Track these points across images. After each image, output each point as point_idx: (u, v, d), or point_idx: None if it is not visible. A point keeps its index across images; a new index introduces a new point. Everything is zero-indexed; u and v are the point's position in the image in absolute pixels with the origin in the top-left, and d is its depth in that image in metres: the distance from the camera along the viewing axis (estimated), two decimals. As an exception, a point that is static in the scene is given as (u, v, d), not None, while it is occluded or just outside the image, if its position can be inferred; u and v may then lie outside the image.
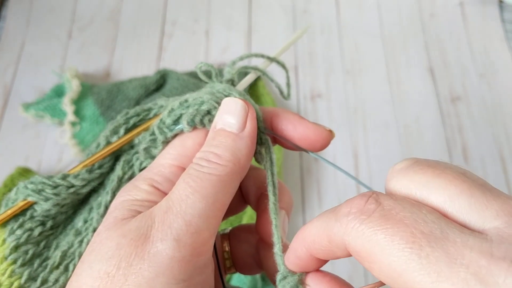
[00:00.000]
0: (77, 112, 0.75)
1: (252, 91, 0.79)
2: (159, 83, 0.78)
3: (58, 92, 0.76)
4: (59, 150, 0.75)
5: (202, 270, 0.26)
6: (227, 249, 0.35)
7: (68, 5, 0.90)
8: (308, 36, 0.88)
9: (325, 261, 0.25)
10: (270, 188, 0.30)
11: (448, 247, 0.18)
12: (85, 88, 0.76)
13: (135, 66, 0.84)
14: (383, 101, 0.81)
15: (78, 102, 0.75)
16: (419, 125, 0.79)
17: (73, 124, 0.74)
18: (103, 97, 0.75)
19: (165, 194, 0.28)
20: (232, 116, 0.29)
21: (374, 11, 0.91)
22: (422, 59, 0.85)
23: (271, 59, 0.35)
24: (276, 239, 0.28)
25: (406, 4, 0.91)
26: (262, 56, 0.35)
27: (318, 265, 0.25)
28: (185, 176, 0.27)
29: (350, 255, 0.22)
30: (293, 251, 0.25)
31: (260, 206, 0.32)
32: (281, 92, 0.37)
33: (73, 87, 0.75)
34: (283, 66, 0.36)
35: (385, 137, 0.78)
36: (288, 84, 0.38)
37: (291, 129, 0.31)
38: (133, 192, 0.28)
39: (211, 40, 0.87)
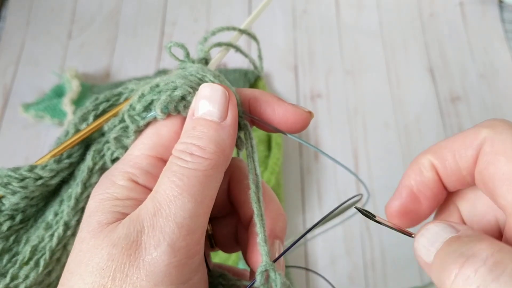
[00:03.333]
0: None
1: (252, 91, 0.79)
2: (159, 83, 0.78)
3: (58, 92, 0.76)
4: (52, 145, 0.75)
5: (198, 268, 0.25)
6: (210, 232, 0.34)
7: (68, 5, 0.90)
8: (308, 36, 0.88)
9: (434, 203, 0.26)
10: (251, 176, 0.28)
11: None
12: (85, 88, 0.77)
13: (135, 66, 0.84)
14: (383, 101, 0.81)
15: (78, 102, 0.75)
16: (419, 125, 0.79)
17: (73, 124, 0.74)
18: (103, 97, 0.75)
19: (146, 188, 0.27)
20: (212, 103, 0.27)
21: (374, 11, 0.91)
22: (422, 59, 0.85)
23: (242, 31, 0.34)
24: (259, 229, 0.27)
25: (406, 4, 0.91)
26: (234, 28, 0.34)
27: (433, 192, 0.26)
28: (169, 174, 0.25)
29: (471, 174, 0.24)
30: (412, 164, 0.26)
31: (251, 233, 0.29)
32: (255, 67, 0.36)
33: (73, 88, 0.75)
34: (254, 38, 0.35)
35: (385, 137, 0.78)
36: (260, 57, 0.36)
37: (270, 112, 0.30)
38: (111, 190, 0.26)
39: (211, 40, 0.87)
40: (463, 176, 0.26)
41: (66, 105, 0.74)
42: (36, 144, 0.76)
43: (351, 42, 0.87)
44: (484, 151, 0.24)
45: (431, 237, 0.23)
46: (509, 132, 0.22)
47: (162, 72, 0.79)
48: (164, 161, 0.27)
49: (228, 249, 0.34)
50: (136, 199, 0.26)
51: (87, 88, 0.77)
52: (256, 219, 0.27)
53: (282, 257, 0.28)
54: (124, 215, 0.25)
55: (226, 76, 0.82)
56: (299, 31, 0.88)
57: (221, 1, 0.91)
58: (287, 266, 0.66)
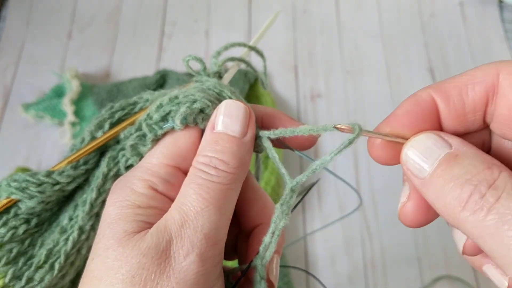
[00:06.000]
0: (77, 113, 0.75)
1: (252, 91, 0.79)
2: (159, 83, 0.78)
3: (58, 92, 0.76)
4: (59, 151, 0.75)
5: (220, 275, 0.27)
6: None
7: (68, 5, 0.90)
8: (308, 36, 0.88)
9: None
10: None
11: None
12: (85, 89, 0.76)
13: (135, 66, 0.84)
14: (383, 101, 0.81)
15: (78, 102, 0.75)
16: (419, 125, 0.79)
17: (73, 124, 0.74)
18: (103, 97, 0.75)
19: (166, 196, 0.27)
20: (235, 120, 0.28)
21: (374, 11, 0.91)
22: (422, 59, 0.85)
23: (251, 48, 0.36)
24: (260, 256, 0.28)
25: (406, 4, 0.91)
26: (245, 45, 0.36)
27: (426, 125, 0.24)
28: (194, 186, 0.26)
29: (476, 110, 0.22)
30: (410, 96, 0.24)
31: (255, 236, 0.31)
32: (262, 83, 0.38)
33: (73, 88, 0.75)
34: (261, 54, 0.37)
35: (385, 137, 0.78)
36: (265, 73, 0.38)
37: None
38: (132, 197, 0.27)
39: (211, 40, 0.87)
40: (465, 115, 0.24)
41: (66, 105, 0.74)
42: (36, 144, 0.76)
43: (351, 42, 0.87)
44: (503, 85, 0.21)
45: (423, 151, 0.23)
46: None
47: (162, 72, 0.79)
48: (181, 170, 0.28)
49: (226, 257, 0.35)
50: (157, 208, 0.27)
51: (87, 88, 0.77)
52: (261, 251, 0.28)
53: (276, 270, 0.31)
54: (148, 224, 0.26)
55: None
56: (299, 31, 0.88)
57: (221, 1, 0.91)
58: (286, 266, 0.66)
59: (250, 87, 0.79)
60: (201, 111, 0.29)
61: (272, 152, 0.30)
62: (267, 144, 0.30)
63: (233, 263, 0.65)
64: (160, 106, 0.30)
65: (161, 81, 0.78)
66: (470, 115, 0.24)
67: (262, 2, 0.91)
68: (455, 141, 0.23)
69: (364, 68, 0.84)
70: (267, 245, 0.28)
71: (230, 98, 0.30)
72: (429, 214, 0.25)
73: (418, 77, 0.83)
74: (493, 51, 0.85)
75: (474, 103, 0.23)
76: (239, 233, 0.33)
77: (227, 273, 0.33)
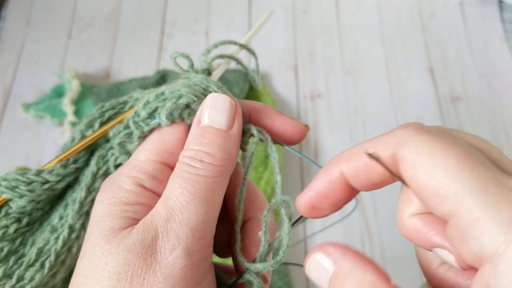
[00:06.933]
0: (77, 113, 0.75)
1: (252, 91, 0.79)
2: (159, 84, 0.78)
3: (58, 92, 0.76)
4: (59, 151, 0.75)
5: (209, 270, 0.26)
6: None
7: (68, 5, 0.90)
8: (308, 36, 0.88)
9: (345, 198, 0.26)
10: (239, 196, 0.30)
11: (496, 174, 0.20)
12: (85, 89, 0.76)
13: (135, 66, 0.84)
14: (383, 101, 0.81)
15: (78, 102, 0.75)
16: (419, 125, 0.79)
17: (73, 124, 0.74)
18: (103, 97, 0.75)
19: (153, 192, 0.27)
20: (221, 113, 0.28)
21: (374, 11, 0.91)
22: (422, 59, 0.85)
23: (242, 46, 0.36)
24: (237, 246, 0.29)
25: (406, 4, 0.91)
26: (235, 43, 0.36)
27: (340, 196, 0.26)
28: (180, 180, 0.26)
29: (381, 182, 0.24)
30: (324, 172, 0.26)
31: (246, 230, 0.31)
32: (254, 81, 0.38)
33: (73, 88, 0.75)
34: (253, 53, 0.37)
35: (385, 137, 0.78)
36: (257, 72, 0.38)
37: (270, 123, 0.31)
38: (119, 194, 0.27)
39: (211, 40, 0.87)
40: (374, 184, 0.26)
41: (66, 105, 0.74)
42: (36, 144, 0.76)
43: (351, 42, 0.87)
44: (402, 166, 0.23)
45: (317, 273, 0.24)
46: (418, 140, 0.22)
47: (162, 72, 0.79)
48: (169, 166, 0.28)
49: (220, 253, 0.35)
50: (145, 204, 0.27)
51: (87, 88, 0.77)
52: (237, 247, 0.29)
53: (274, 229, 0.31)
54: (135, 220, 0.26)
55: (226, 76, 0.81)
56: (299, 31, 0.88)
57: (221, 1, 0.91)
58: (286, 264, 0.66)
59: (250, 87, 0.79)
60: (187, 106, 0.29)
61: (274, 153, 0.30)
62: (270, 144, 0.30)
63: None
64: (147, 103, 0.30)
65: (161, 81, 0.78)
66: (379, 183, 0.26)
67: (262, 2, 0.91)
68: (340, 258, 0.24)
69: (364, 68, 0.84)
70: (261, 272, 0.28)
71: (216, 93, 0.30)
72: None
73: (418, 77, 0.83)
74: (493, 51, 0.85)
75: (378, 175, 0.25)
76: (232, 229, 0.33)
77: (221, 275, 0.33)
